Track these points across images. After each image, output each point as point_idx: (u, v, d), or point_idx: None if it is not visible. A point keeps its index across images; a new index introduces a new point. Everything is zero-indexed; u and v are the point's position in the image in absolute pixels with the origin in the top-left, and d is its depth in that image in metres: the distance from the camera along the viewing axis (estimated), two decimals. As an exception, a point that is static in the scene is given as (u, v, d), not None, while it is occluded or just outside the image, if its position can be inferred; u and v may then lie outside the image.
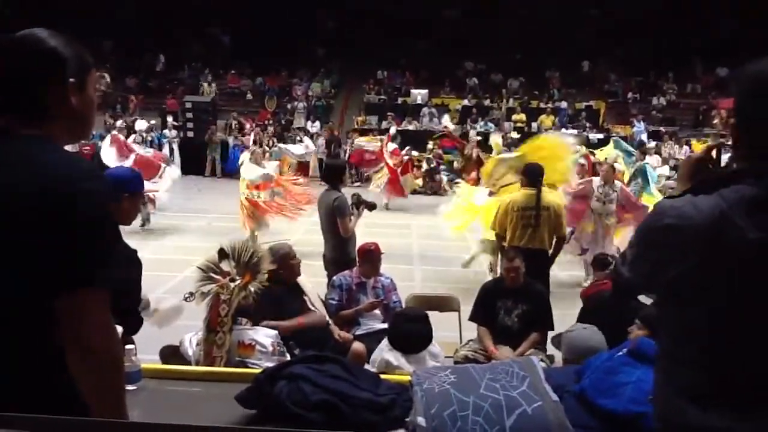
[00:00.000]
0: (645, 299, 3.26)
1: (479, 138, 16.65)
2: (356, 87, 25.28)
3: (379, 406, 2.25)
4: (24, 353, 1.46)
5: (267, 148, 16.78)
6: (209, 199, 11.77)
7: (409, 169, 14.82)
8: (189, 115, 20.42)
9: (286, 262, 4.38)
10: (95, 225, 1.45)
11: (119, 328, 1.80)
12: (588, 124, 21.51)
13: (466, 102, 23.28)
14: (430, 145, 17.87)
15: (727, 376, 1.41)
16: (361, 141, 16.34)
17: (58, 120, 1.54)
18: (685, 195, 1.47)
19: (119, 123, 16.19)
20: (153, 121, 18.93)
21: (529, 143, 8.27)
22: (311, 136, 18.68)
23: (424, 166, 17.24)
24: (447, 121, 15.98)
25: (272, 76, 25.64)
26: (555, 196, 6.40)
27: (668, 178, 15.33)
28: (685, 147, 18.15)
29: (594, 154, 12.18)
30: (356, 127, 21.06)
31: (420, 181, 16.01)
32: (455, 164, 16.57)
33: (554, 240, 5.99)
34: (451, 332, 5.07)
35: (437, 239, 10.35)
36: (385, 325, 4.60)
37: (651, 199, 9.09)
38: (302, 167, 13.90)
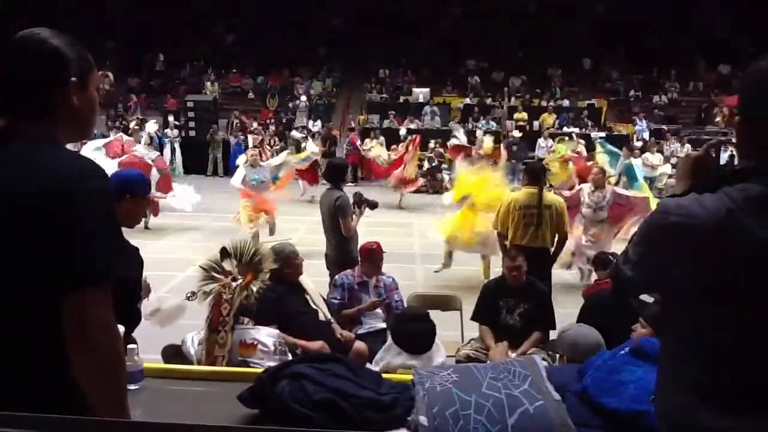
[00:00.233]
0: (647, 298, 3.25)
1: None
2: (358, 86, 25.27)
3: (381, 405, 2.25)
4: (26, 353, 1.46)
5: (269, 148, 16.80)
6: (211, 198, 11.76)
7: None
8: (191, 114, 20.43)
9: (290, 261, 4.40)
10: (96, 224, 1.44)
11: (121, 328, 1.81)
12: (590, 123, 21.47)
13: (467, 101, 23.26)
14: (431, 144, 17.87)
15: (732, 375, 1.41)
16: (377, 152, 15.93)
17: (60, 120, 1.54)
18: (690, 193, 1.46)
19: (132, 124, 16.11)
20: (155, 121, 18.94)
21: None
22: (312, 135, 18.70)
23: (426, 165, 17.23)
24: (460, 135, 15.85)
25: (274, 74, 25.63)
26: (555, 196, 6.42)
27: (670, 176, 15.35)
28: (687, 145, 18.13)
29: (592, 157, 12.20)
30: (353, 125, 21.03)
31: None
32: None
33: (556, 239, 5.99)
34: (453, 331, 5.07)
35: (439, 238, 10.37)
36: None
37: (644, 189, 9.14)
38: (312, 169, 13.87)
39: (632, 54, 25.93)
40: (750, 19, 23.57)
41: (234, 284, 3.60)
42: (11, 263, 1.41)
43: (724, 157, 15.80)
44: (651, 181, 17.16)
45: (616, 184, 9.51)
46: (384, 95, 24.17)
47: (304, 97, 23.25)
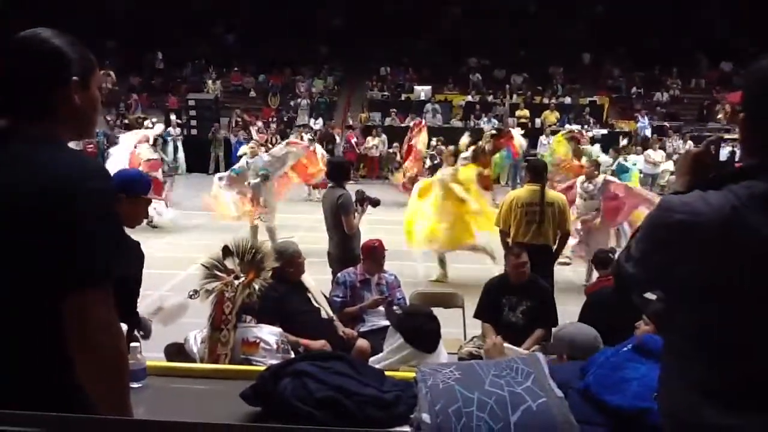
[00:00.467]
0: (649, 295, 3.24)
1: (494, 131, 16.62)
2: (359, 84, 25.26)
3: (383, 403, 2.25)
4: (27, 353, 1.46)
5: (271, 145, 16.79)
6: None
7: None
8: (192, 113, 20.44)
9: (293, 260, 4.40)
10: (96, 224, 1.44)
11: (124, 326, 1.81)
12: (592, 120, 21.45)
13: (469, 98, 23.23)
14: (433, 142, 17.85)
15: (738, 372, 1.40)
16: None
17: (61, 119, 1.54)
18: (694, 191, 1.46)
19: (148, 123, 15.96)
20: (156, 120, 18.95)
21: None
22: (315, 134, 18.70)
23: (428, 162, 17.21)
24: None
25: (275, 73, 25.64)
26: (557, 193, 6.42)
27: (672, 173, 15.33)
28: (689, 142, 18.11)
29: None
30: (351, 123, 21.02)
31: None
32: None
33: (558, 236, 5.99)
34: (455, 329, 5.07)
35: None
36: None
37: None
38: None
39: (633, 52, 25.91)
40: (750, 18, 23.53)
41: (236, 282, 3.60)
42: (12, 263, 1.41)
43: (724, 154, 15.74)
44: (653, 178, 17.17)
45: None
46: (385, 93, 24.16)
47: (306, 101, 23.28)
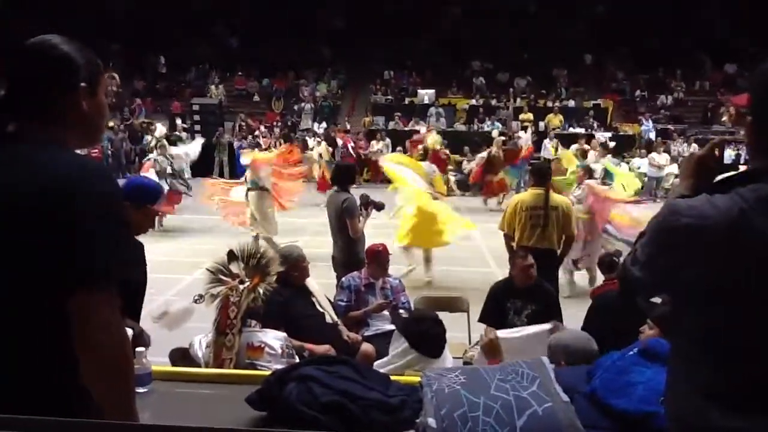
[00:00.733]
0: (655, 299, 3.24)
1: (503, 138, 16.65)
2: (363, 88, 25.30)
3: (389, 407, 2.25)
4: (31, 353, 1.46)
5: (274, 150, 16.79)
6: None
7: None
8: (196, 117, 20.49)
9: (297, 264, 4.41)
10: (95, 223, 1.43)
11: (129, 331, 1.81)
12: (596, 123, 21.43)
13: (473, 102, 23.24)
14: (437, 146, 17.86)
15: (744, 375, 1.40)
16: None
17: (69, 124, 1.55)
18: (701, 194, 1.45)
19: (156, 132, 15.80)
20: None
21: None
22: (320, 137, 18.75)
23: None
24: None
25: (279, 77, 25.71)
26: (561, 197, 6.41)
27: (677, 176, 15.30)
28: (694, 145, 18.07)
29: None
30: (348, 128, 21.04)
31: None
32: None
33: (563, 239, 5.98)
34: (460, 333, 5.06)
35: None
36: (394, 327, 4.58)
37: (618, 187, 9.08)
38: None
39: (636, 54, 25.90)
40: (750, 19, 23.52)
41: (241, 287, 3.60)
42: (13, 262, 1.41)
43: (729, 156, 15.71)
44: (658, 181, 17.13)
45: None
46: (389, 97, 24.20)
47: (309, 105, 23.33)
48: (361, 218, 5.72)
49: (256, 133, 20.07)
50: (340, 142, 18.07)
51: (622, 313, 3.57)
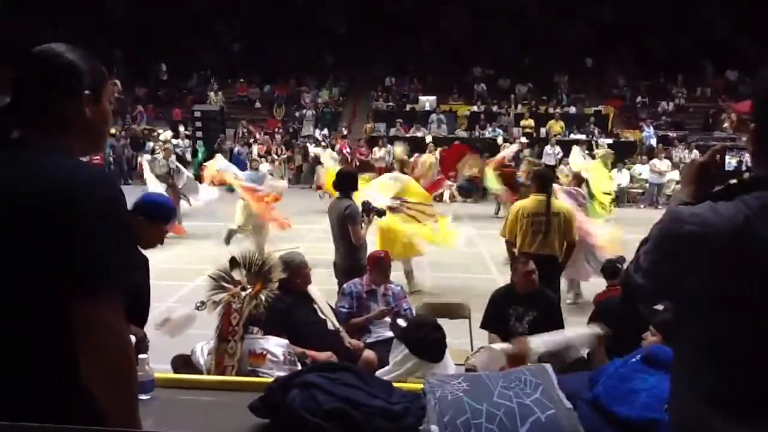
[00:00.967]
0: (661, 308, 3.24)
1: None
2: (364, 94, 25.34)
3: (392, 414, 2.24)
4: (36, 358, 1.46)
5: (276, 156, 16.85)
6: (218, 207, 11.79)
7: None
8: (198, 124, 20.52)
9: (299, 271, 4.41)
10: (96, 227, 1.43)
11: (132, 337, 1.81)
12: (597, 129, 21.45)
13: (474, 108, 23.28)
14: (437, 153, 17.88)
15: (748, 382, 1.39)
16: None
17: (73, 132, 1.56)
18: (704, 202, 1.45)
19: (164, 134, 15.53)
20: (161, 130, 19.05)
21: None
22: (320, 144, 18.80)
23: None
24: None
25: (280, 84, 25.76)
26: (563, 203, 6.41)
27: (678, 182, 15.33)
28: (695, 151, 18.08)
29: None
30: (345, 133, 21.07)
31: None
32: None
33: (564, 246, 5.97)
34: (462, 339, 5.06)
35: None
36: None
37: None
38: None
39: (637, 58, 25.94)
40: (750, 19, 23.57)
41: (243, 294, 3.60)
42: (15, 266, 1.41)
43: (732, 163, 15.73)
44: (659, 187, 17.14)
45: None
46: (390, 104, 24.23)
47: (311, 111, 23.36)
48: (363, 225, 5.72)
49: (250, 140, 20.08)
50: (336, 147, 18.15)
51: (625, 320, 3.58)
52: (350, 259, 5.65)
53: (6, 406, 1.39)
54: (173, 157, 11.85)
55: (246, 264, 3.69)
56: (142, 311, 3.08)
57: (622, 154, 18.14)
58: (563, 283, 7.80)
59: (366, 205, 5.94)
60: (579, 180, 8.81)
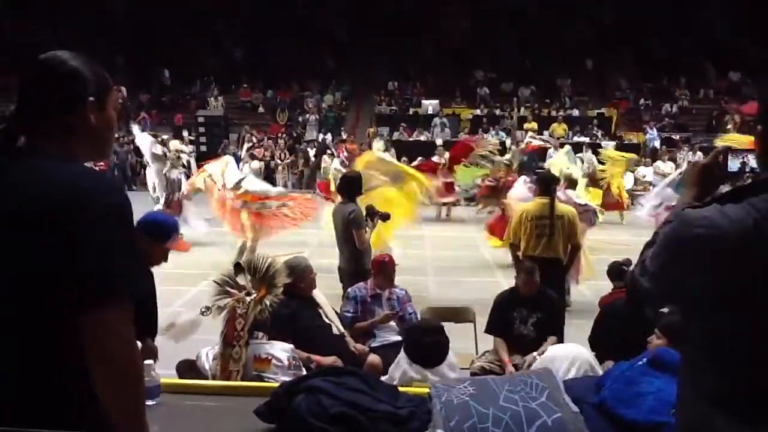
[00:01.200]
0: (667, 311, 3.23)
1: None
2: (367, 98, 25.37)
3: (398, 419, 2.24)
4: (45, 368, 1.46)
5: (279, 161, 16.84)
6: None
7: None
8: (201, 129, 20.55)
9: (304, 276, 4.41)
10: (106, 234, 1.43)
11: (139, 344, 1.81)
12: (600, 132, 21.42)
13: (477, 112, 23.28)
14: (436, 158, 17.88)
15: (751, 382, 1.39)
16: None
17: (78, 138, 1.56)
18: (711, 204, 1.45)
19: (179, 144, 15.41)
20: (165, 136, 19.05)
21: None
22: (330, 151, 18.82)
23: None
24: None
25: (283, 89, 25.80)
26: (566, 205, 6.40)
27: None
28: (699, 153, 18.03)
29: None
30: (343, 137, 21.08)
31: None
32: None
33: (569, 249, 5.97)
34: (467, 343, 5.05)
35: (451, 250, 10.34)
36: (401, 338, 4.58)
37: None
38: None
39: (639, 60, 25.93)
40: (750, 19, 23.55)
41: (248, 299, 3.61)
42: (21, 273, 1.41)
43: (735, 165, 15.67)
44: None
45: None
46: (393, 107, 24.25)
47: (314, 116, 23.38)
48: (367, 229, 5.72)
49: (248, 145, 20.06)
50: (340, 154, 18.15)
51: (630, 322, 3.57)
52: (354, 263, 5.65)
53: (17, 413, 1.39)
54: (180, 169, 11.78)
55: (251, 269, 3.70)
56: (151, 320, 3.08)
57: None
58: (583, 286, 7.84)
59: (369, 209, 5.94)
60: (571, 183, 8.77)
